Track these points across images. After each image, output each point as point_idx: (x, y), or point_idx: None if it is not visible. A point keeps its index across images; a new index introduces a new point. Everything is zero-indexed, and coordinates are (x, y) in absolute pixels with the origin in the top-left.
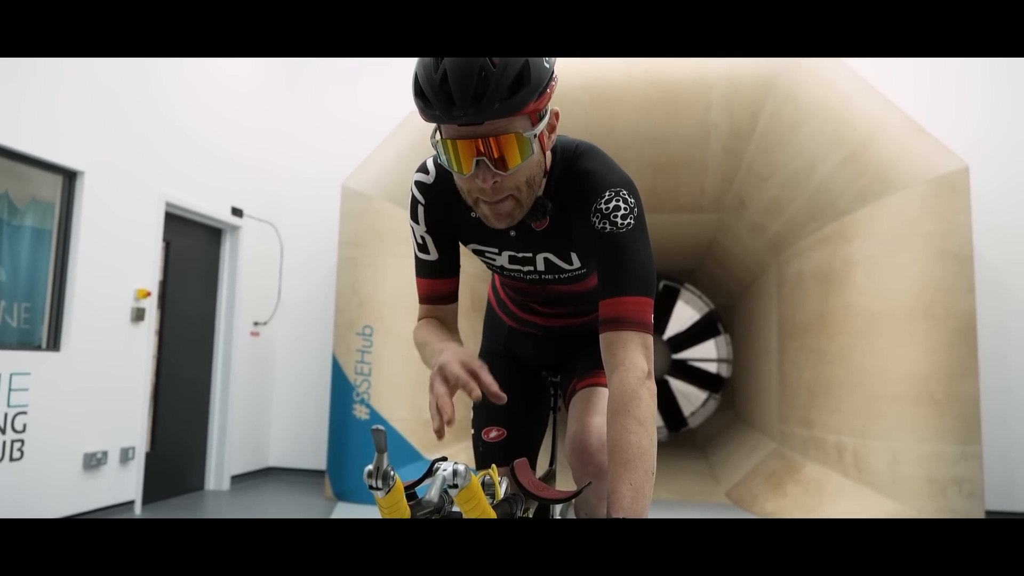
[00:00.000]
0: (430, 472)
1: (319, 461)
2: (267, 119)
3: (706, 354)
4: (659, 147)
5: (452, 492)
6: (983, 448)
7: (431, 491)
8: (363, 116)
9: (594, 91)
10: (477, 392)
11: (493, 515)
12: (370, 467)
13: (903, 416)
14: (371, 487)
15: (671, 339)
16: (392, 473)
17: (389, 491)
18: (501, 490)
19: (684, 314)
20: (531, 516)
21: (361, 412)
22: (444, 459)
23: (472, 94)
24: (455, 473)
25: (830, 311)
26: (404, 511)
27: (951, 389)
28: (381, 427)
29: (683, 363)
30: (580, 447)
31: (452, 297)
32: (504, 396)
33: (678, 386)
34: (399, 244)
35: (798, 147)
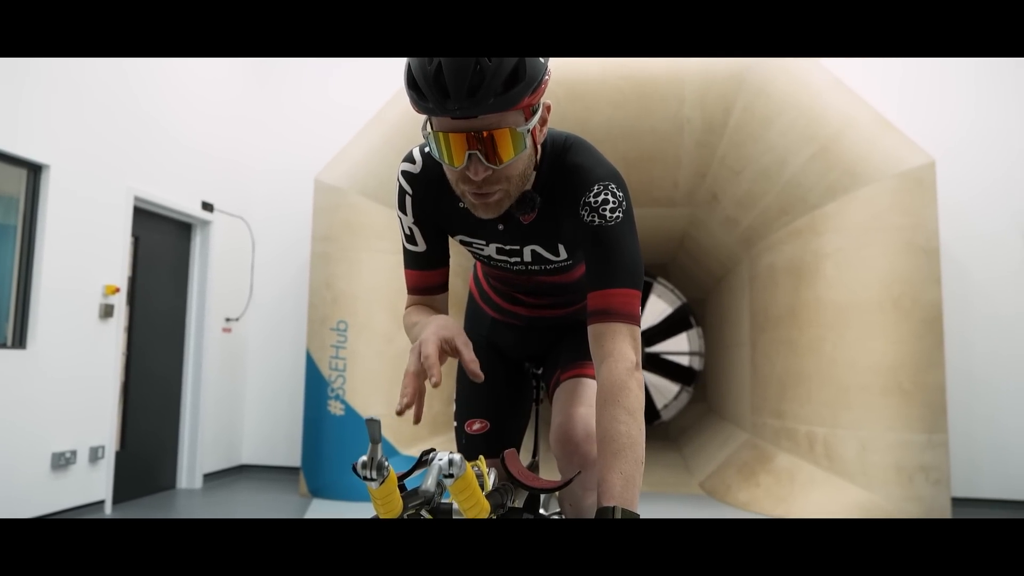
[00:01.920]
0: (421, 462)
1: (292, 458)
2: (238, 111)
3: (678, 347)
4: (632, 141)
5: (447, 481)
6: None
7: (427, 480)
8: (336, 109)
9: (568, 85)
10: (435, 378)
11: (487, 505)
12: (364, 458)
13: (872, 406)
14: (365, 478)
15: (643, 333)
16: (386, 464)
17: (383, 482)
18: (489, 481)
19: (656, 308)
20: (520, 506)
21: (336, 408)
22: (433, 450)
23: (467, 88)
24: (451, 462)
25: (801, 303)
26: (397, 502)
27: (918, 379)
28: (376, 417)
29: (656, 356)
30: (565, 438)
31: (442, 288)
32: (482, 375)
33: (651, 379)
34: (373, 238)
35: (770, 142)
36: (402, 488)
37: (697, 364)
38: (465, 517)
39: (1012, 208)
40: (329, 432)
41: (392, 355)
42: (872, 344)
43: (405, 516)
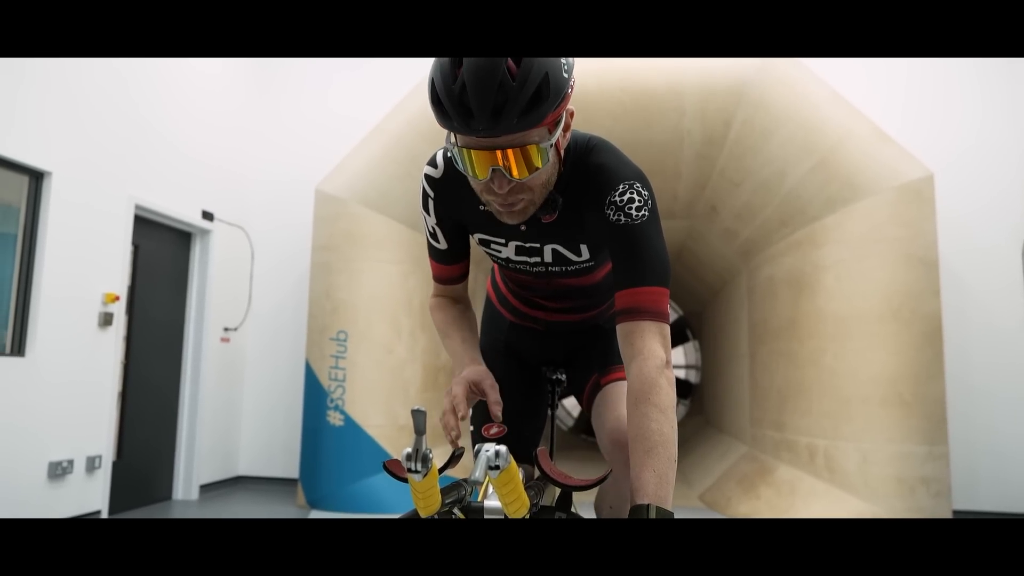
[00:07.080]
0: (453, 457)
1: (290, 469)
2: (238, 121)
3: (675, 360)
4: (632, 153)
5: (493, 473)
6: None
7: (476, 471)
8: (336, 119)
9: None
10: (461, 412)
11: (526, 499)
12: (409, 449)
13: (873, 417)
14: (410, 470)
15: None
16: (431, 456)
17: (427, 474)
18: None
19: None
20: (553, 505)
21: (335, 418)
22: (461, 448)
23: (491, 108)
24: (497, 454)
25: (801, 315)
26: (437, 496)
27: (918, 390)
28: (422, 408)
29: None
30: (622, 438)
31: (462, 277)
32: (500, 416)
33: None
34: (373, 249)
35: (769, 154)
36: None
37: (694, 377)
38: (495, 517)
39: (1011, 222)
40: (328, 443)
41: (392, 365)
42: (872, 355)
43: (438, 515)
